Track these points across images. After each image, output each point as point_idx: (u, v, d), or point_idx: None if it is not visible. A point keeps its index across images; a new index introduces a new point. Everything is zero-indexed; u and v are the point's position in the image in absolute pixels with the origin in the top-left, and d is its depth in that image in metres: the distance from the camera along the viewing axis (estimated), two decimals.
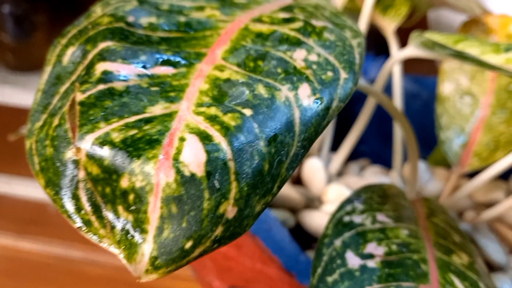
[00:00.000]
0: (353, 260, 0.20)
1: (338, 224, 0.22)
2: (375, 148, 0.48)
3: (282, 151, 0.14)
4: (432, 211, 0.26)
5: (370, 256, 0.20)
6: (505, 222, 0.37)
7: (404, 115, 0.30)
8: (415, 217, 0.24)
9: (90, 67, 0.15)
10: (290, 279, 0.28)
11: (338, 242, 0.21)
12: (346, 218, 0.23)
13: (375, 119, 0.44)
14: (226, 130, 0.14)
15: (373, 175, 0.40)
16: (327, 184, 0.38)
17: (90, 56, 0.16)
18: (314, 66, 0.17)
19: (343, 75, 0.17)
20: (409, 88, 0.44)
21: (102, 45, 0.16)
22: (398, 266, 0.20)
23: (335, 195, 0.36)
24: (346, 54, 0.18)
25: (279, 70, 0.16)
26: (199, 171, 0.13)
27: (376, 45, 0.67)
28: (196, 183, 0.13)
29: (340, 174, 0.45)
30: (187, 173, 0.13)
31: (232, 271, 0.31)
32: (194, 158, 0.13)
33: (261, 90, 0.15)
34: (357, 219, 0.23)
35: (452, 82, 0.41)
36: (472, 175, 0.39)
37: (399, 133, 0.41)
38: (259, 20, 0.20)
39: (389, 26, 0.41)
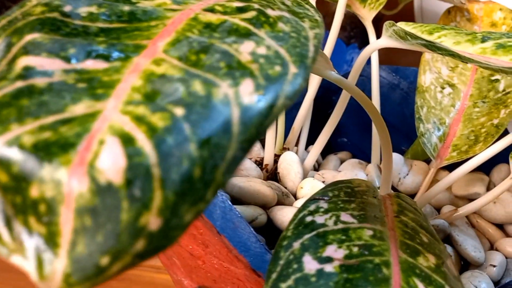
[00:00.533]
0: (310, 265, 0.19)
1: (300, 225, 0.21)
2: (356, 141, 0.47)
3: (217, 154, 0.13)
4: (402, 209, 0.25)
5: (329, 259, 0.19)
6: (485, 217, 0.36)
7: (376, 108, 0.29)
8: (382, 216, 0.23)
9: (12, 61, 0.14)
10: (257, 279, 0.27)
11: (296, 245, 0.20)
12: (308, 218, 0.22)
13: (356, 112, 0.42)
14: (152, 132, 0.12)
15: (351, 169, 0.39)
16: (303, 178, 0.36)
17: (14, 50, 0.14)
18: (262, 60, 0.15)
19: (293, 69, 0.15)
20: (390, 78, 0.43)
21: (28, 38, 0.15)
22: (358, 270, 0.19)
23: (309, 190, 0.34)
24: (299, 46, 0.17)
25: (221, 65, 0.15)
26: (117, 179, 0.11)
27: (362, 35, 0.66)
28: (113, 192, 0.11)
29: (319, 167, 0.44)
30: (102, 181, 0.11)
31: (200, 270, 0.30)
32: (112, 164, 0.12)
33: (197, 86, 0.14)
34: (319, 219, 0.22)
35: (433, 73, 0.40)
36: (454, 168, 0.38)
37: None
38: (211, 9, 0.19)
39: (368, 15, 0.39)
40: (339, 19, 0.36)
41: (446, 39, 0.27)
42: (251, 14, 0.18)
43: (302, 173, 0.37)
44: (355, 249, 0.20)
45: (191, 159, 0.12)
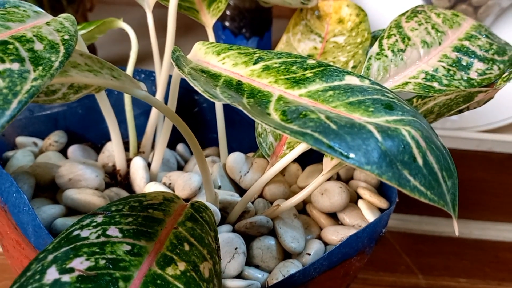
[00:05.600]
0: (50, 275, 0.21)
1: (64, 238, 0.24)
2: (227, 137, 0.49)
3: None
4: (186, 219, 0.27)
5: (70, 270, 0.21)
6: (317, 207, 0.39)
7: (180, 121, 0.31)
8: (157, 231, 0.26)
9: None
10: None
11: (50, 257, 0.22)
12: (75, 232, 0.24)
13: (224, 107, 0.45)
14: None
15: (197, 169, 0.42)
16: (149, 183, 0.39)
17: None
18: None
19: None
20: None
21: None
22: (92, 281, 0.21)
23: None
24: None
25: None
26: None
27: (251, 26, 0.68)
28: None
29: (185, 165, 0.46)
30: None
31: None
32: None
33: None
34: (85, 233, 0.24)
35: None
36: (304, 161, 0.41)
37: (222, 123, 0.42)
38: None
39: (210, 22, 0.41)
40: (172, 22, 0.38)
41: (229, 60, 0.29)
42: None
43: (148, 178, 0.39)
44: (102, 262, 0.22)
45: None
